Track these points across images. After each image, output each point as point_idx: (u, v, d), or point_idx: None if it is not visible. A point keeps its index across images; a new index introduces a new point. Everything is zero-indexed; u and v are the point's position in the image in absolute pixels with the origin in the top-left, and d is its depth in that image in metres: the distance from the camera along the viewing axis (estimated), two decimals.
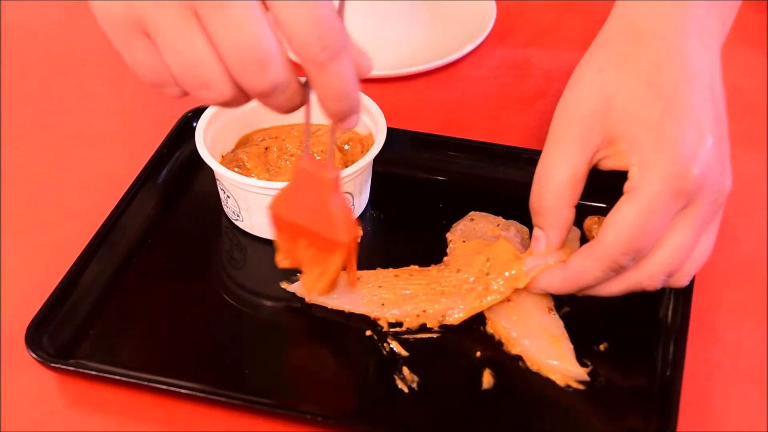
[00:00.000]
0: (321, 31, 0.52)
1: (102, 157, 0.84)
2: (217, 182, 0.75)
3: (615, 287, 0.65)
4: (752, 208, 0.78)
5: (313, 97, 0.58)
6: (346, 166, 0.74)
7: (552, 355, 0.65)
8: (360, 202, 0.75)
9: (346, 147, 0.77)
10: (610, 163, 0.65)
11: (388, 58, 0.94)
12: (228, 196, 0.73)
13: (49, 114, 0.90)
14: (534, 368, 0.65)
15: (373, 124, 0.76)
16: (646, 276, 0.64)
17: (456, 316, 0.67)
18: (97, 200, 0.78)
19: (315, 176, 0.61)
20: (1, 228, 0.77)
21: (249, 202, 0.72)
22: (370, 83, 0.90)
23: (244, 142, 0.78)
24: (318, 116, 0.79)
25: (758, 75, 0.92)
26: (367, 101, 0.77)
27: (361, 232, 0.66)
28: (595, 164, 0.65)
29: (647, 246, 0.63)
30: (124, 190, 0.76)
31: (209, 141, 0.74)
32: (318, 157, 0.76)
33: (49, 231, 0.77)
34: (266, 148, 0.76)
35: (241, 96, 0.55)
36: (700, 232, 0.64)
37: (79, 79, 0.94)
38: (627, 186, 0.63)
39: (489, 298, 0.67)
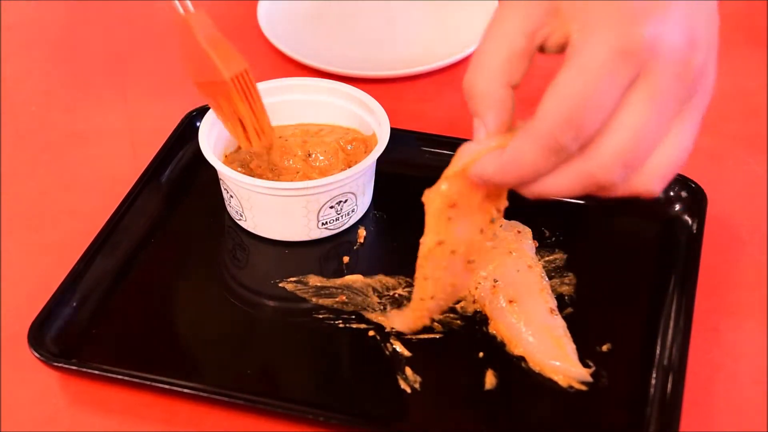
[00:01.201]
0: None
1: (105, 156, 0.84)
2: (221, 182, 0.75)
3: (562, 180, 0.56)
4: (755, 209, 0.78)
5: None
6: (350, 166, 0.74)
7: (554, 356, 0.65)
8: (363, 202, 0.75)
9: (350, 147, 0.77)
10: (554, 39, 0.57)
11: (393, 59, 0.94)
12: (231, 196, 0.73)
13: (53, 113, 0.90)
14: (536, 369, 0.65)
15: (376, 124, 0.76)
16: (596, 164, 0.55)
17: None
18: (100, 199, 0.78)
19: (179, 23, 0.61)
20: (3, 227, 0.77)
21: (252, 202, 0.72)
22: (374, 83, 0.90)
23: None
24: (330, 117, 0.79)
25: (759, 76, 0.92)
26: (370, 101, 0.77)
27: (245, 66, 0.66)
28: (543, 45, 0.59)
29: (591, 121, 0.54)
30: (128, 190, 0.76)
31: (212, 141, 0.74)
32: (321, 157, 0.76)
33: (52, 230, 0.77)
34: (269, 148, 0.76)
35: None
36: (664, 114, 0.55)
37: (83, 79, 0.94)
38: (567, 52, 0.56)
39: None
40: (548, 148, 0.54)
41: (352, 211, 0.75)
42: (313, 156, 0.75)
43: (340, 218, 0.74)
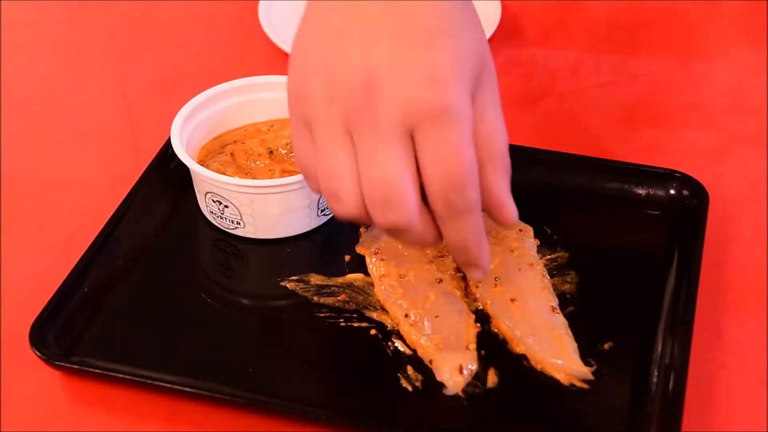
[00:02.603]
0: (448, 187, 0.57)
1: (106, 155, 0.84)
2: (206, 198, 0.74)
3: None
4: (756, 208, 0.78)
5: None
6: None
7: (556, 354, 0.65)
8: None
9: None
10: None
11: None
12: (226, 206, 0.73)
13: (54, 112, 0.90)
14: (538, 367, 0.65)
15: None
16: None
17: None
18: (101, 199, 0.78)
19: None
20: (4, 226, 0.77)
21: (255, 206, 0.72)
22: None
23: (204, 154, 0.77)
24: (275, 112, 0.79)
25: (759, 75, 0.92)
26: None
27: None
28: None
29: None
30: (129, 189, 0.76)
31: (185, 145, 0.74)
32: (283, 151, 0.76)
33: (53, 229, 0.77)
34: (232, 154, 0.76)
35: (367, 219, 0.59)
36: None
37: (84, 78, 0.94)
38: None
39: None
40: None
41: None
42: (275, 152, 0.76)
43: None
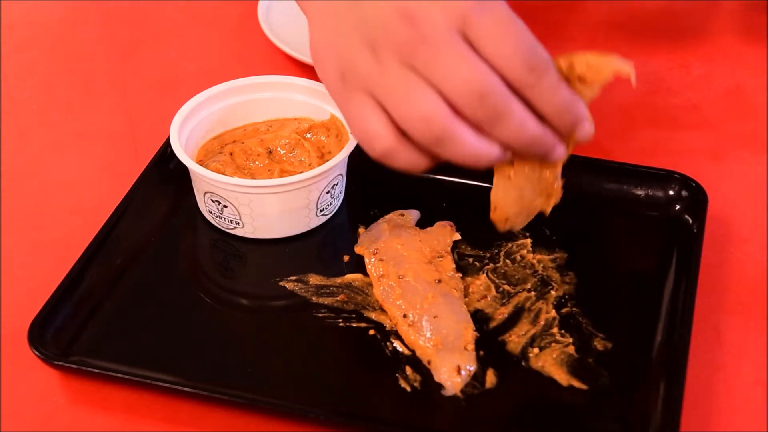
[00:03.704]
0: (525, 56, 0.58)
1: (106, 155, 0.84)
2: (205, 197, 0.74)
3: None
4: (755, 208, 0.78)
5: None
6: (321, 153, 0.75)
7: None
8: (344, 181, 0.76)
9: (309, 135, 0.77)
10: None
11: None
12: (225, 206, 0.73)
13: (53, 112, 0.90)
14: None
15: (333, 106, 0.77)
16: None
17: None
18: (101, 198, 0.78)
19: None
20: (3, 225, 0.77)
21: (254, 206, 0.72)
22: None
23: (203, 153, 0.77)
24: (274, 112, 0.79)
25: (759, 75, 0.92)
26: (317, 86, 0.77)
27: None
28: None
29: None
30: (128, 188, 0.76)
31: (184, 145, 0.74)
32: (282, 151, 0.76)
33: (52, 229, 0.77)
34: (231, 154, 0.76)
35: (487, 148, 0.60)
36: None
37: (83, 77, 0.94)
38: None
39: None
40: None
41: (341, 193, 0.76)
42: (273, 152, 0.76)
43: (333, 202, 0.75)
